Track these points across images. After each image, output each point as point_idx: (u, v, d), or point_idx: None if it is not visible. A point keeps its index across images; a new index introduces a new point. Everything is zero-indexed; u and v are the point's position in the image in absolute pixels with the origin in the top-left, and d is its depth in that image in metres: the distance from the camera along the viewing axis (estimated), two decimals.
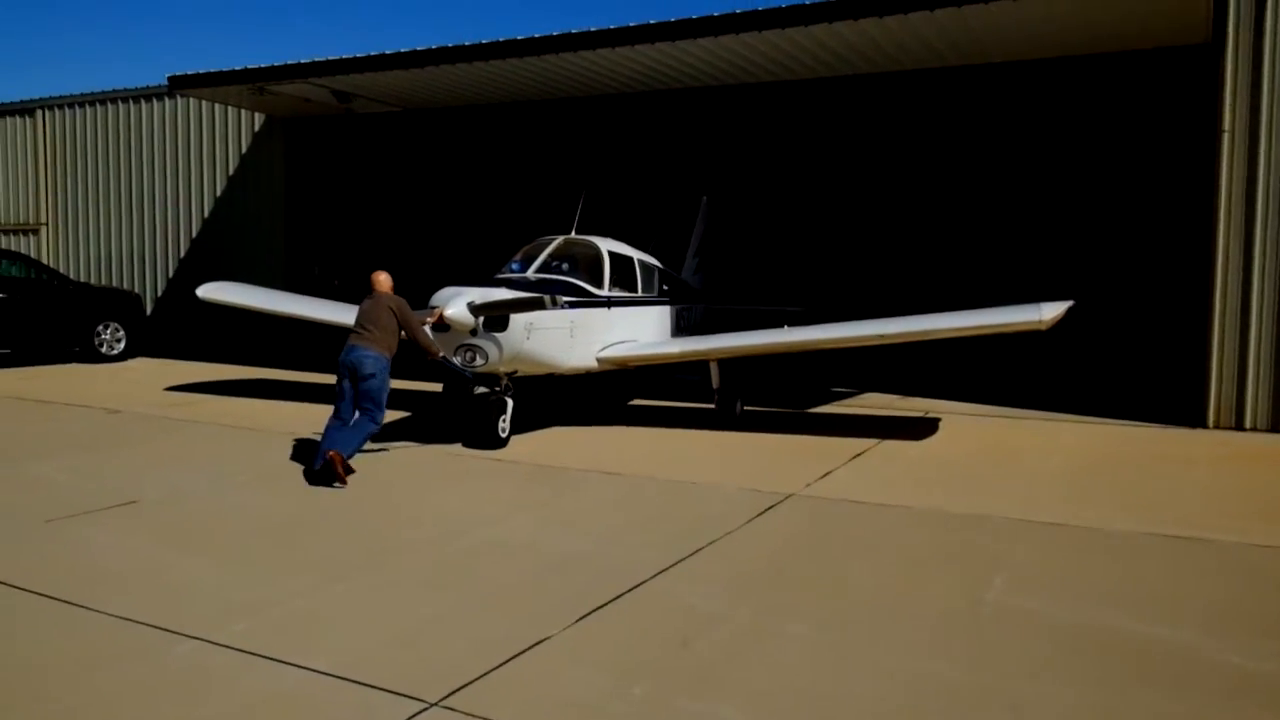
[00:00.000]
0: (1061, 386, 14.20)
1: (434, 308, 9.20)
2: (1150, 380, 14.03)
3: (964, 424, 11.52)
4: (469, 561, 6.12)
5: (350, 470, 7.99)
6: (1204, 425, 11.08)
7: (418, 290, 16.64)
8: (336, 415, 8.34)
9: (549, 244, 10.88)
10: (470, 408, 10.28)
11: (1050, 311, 9.77)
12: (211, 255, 18.28)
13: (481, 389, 10.44)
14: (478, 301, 9.11)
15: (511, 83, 13.88)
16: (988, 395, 13.41)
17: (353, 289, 15.72)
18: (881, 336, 10.41)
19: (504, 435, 9.64)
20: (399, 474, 8.65)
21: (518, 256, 10.99)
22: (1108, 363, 15.03)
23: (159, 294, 19.02)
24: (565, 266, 10.74)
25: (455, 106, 15.84)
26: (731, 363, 11.17)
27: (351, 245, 18.27)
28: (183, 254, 18.69)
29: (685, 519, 7.16)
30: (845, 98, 15.58)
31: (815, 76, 13.08)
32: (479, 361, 9.43)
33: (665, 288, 12.62)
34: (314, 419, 11.22)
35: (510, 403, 9.71)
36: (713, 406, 11.34)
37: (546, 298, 9.25)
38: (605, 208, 16.76)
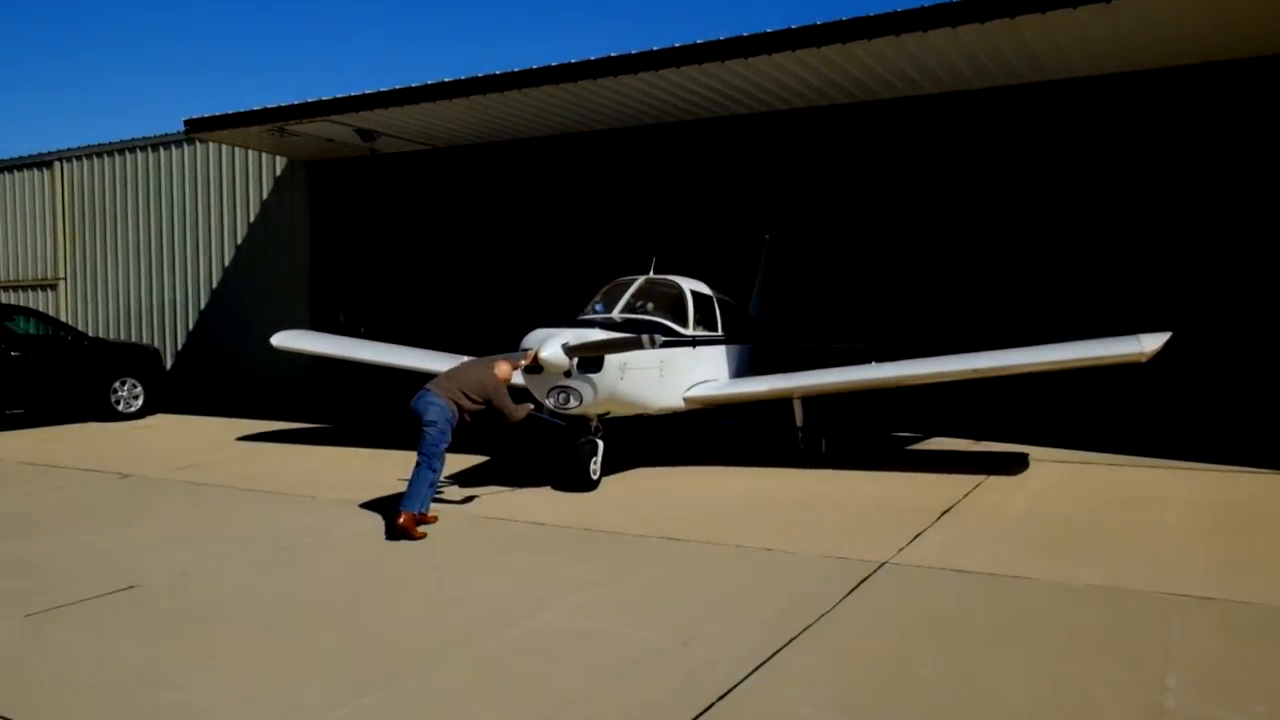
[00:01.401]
0: (1147, 428, 13.11)
1: (525, 350, 9.03)
2: (1245, 420, 12.91)
3: (1053, 472, 10.41)
4: (523, 662, 5.09)
5: (425, 521, 7.96)
6: None
7: (455, 337, 16.00)
8: (419, 460, 8.07)
9: (630, 283, 10.78)
10: (561, 450, 10.01)
11: (1151, 343, 9.39)
12: (234, 305, 17.60)
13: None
14: (573, 343, 8.95)
15: (545, 115, 13.08)
16: (1066, 439, 12.31)
17: (379, 336, 15.12)
18: (975, 371, 10.09)
19: (595, 478, 9.55)
20: (443, 542, 7.66)
21: (598, 298, 10.86)
22: (1194, 401, 13.93)
23: (179, 347, 18.31)
24: (650, 306, 10.67)
25: (486, 143, 15.08)
26: (812, 401, 11.08)
27: (379, 291, 17.50)
28: (204, 305, 17.99)
29: (768, 597, 6.10)
30: (906, 120, 14.69)
31: (874, 99, 12.12)
32: (573, 403, 9.29)
33: (739, 326, 12.55)
34: (347, 479, 10.38)
35: (601, 445, 9.60)
36: (799, 446, 11.15)
37: (645, 338, 9.12)
38: (657, 245, 16.16)
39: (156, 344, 18.00)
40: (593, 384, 9.18)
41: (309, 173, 16.72)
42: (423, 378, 12.54)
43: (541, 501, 9.19)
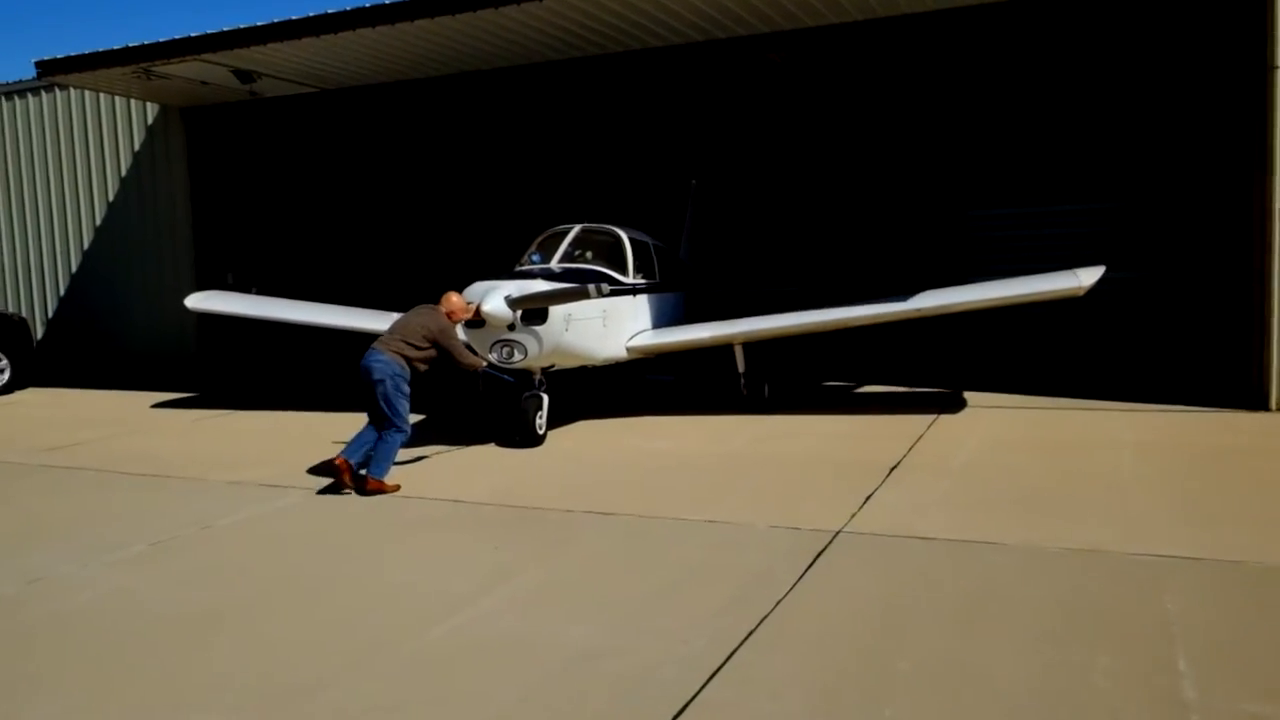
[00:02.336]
0: (1081, 369, 12.90)
1: (468, 303, 8.59)
2: (1177, 357, 12.77)
3: (995, 418, 9.99)
4: (444, 673, 4.31)
5: (387, 489, 7.60)
6: (1266, 408, 9.69)
7: (358, 295, 14.93)
8: (367, 424, 7.80)
9: (567, 232, 10.52)
10: (507, 406, 9.66)
11: (1088, 277, 9.41)
12: (108, 267, 16.10)
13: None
14: (516, 295, 8.70)
15: (445, 49, 11.95)
16: (1000, 383, 11.97)
17: (273, 295, 13.98)
18: (919, 311, 10.05)
19: (542, 433, 9.34)
20: (354, 526, 6.78)
21: (534, 248, 10.61)
22: (1126, 340, 13.82)
23: (50, 315, 16.73)
24: (588, 255, 10.50)
25: (382, 84, 13.83)
26: (751, 348, 10.87)
27: (270, 247, 16.20)
28: (74, 268, 16.42)
29: (717, 580, 5.42)
30: (829, 54, 14.09)
31: (799, 26, 11.33)
32: (516, 357, 9.08)
33: (674, 273, 12.42)
34: (243, 457, 9.37)
35: (546, 399, 9.38)
36: (742, 392, 10.94)
37: (591, 287, 8.90)
38: (579, 191, 15.31)
39: (23, 313, 16.39)
40: (538, 336, 9.00)
41: (185, 120, 15.21)
42: (351, 337, 12.17)
43: (481, 461, 8.50)
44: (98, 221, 16.01)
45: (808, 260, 15.73)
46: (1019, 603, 4.90)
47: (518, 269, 10.02)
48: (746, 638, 4.56)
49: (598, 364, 10.34)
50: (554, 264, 10.07)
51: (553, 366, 9.66)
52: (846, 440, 9.15)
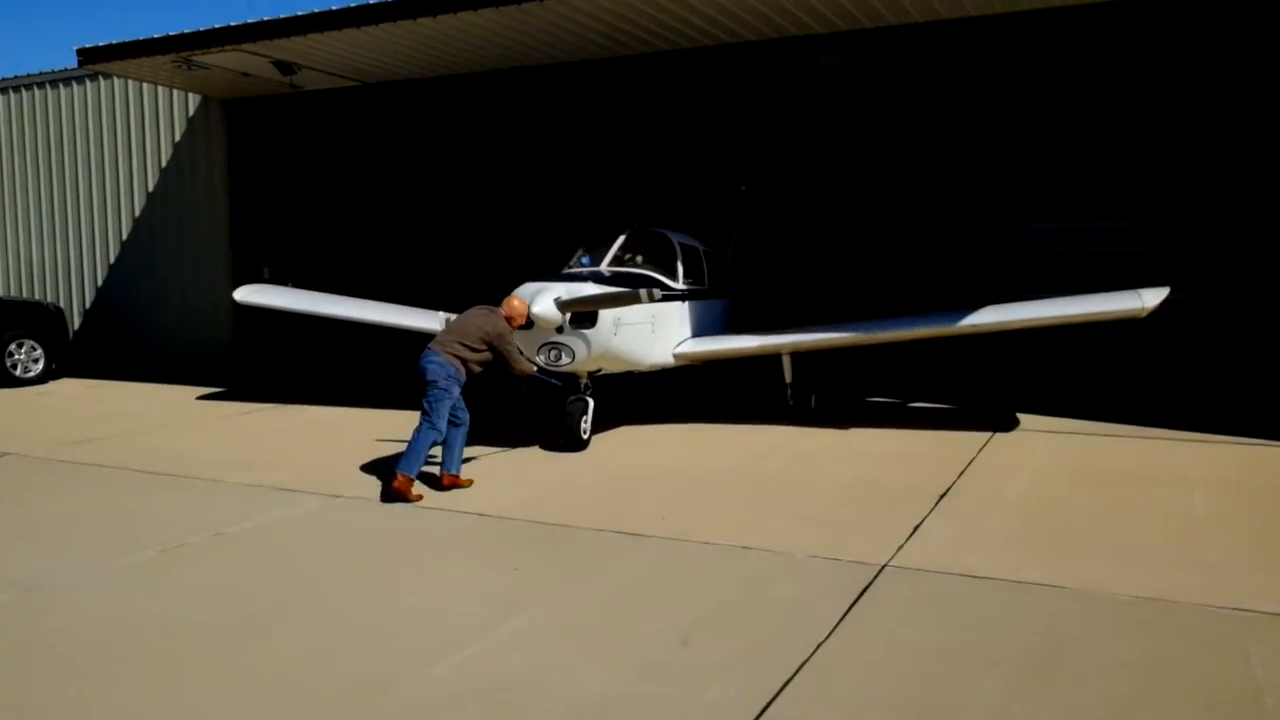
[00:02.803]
0: (1141, 394, 12.30)
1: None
2: (1251, 386, 12.11)
3: (1050, 445, 9.43)
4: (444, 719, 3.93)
5: (463, 484, 7.69)
6: None
7: (397, 290, 14.71)
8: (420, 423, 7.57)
9: (617, 235, 10.37)
10: (552, 409, 9.54)
11: (1151, 298, 9.12)
12: (146, 259, 16.00)
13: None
14: (565, 297, 8.56)
15: (491, 43, 11.62)
16: (1054, 406, 11.42)
17: (310, 288, 13.82)
18: (974, 328, 9.76)
19: (586, 437, 9.21)
20: (369, 541, 6.45)
21: (582, 250, 10.46)
22: (1189, 365, 13.15)
23: (87, 306, 16.67)
24: (638, 259, 10.34)
25: (424, 79, 13.56)
26: (801, 357, 10.77)
27: (307, 242, 16.01)
28: (113, 260, 16.34)
29: (751, 616, 5.00)
30: (886, 60, 13.71)
31: (857, 28, 10.85)
32: (564, 360, 8.97)
33: (722, 280, 12.22)
34: (268, 457, 9.11)
35: (591, 403, 9.25)
36: (789, 403, 10.80)
37: (643, 292, 8.68)
38: (625, 193, 15.55)
39: (61, 302, 16.34)
40: (586, 340, 8.87)
41: (225, 112, 15.08)
42: (393, 334, 12.32)
43: (518, 468, 8.16)
44: (136, 213, 15.92)
45: (855, 271, 15.27)
46: (1087, 660, 4.42)
47: (566, 270, 9.83)
48: (783, 688, 4.14)
49: (644, 370, 10.19)
50: (603, 267, 9.93)
51: (600, 371, 9.50)
52: (893, 462, 8.66)
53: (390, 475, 7.44)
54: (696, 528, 6.60)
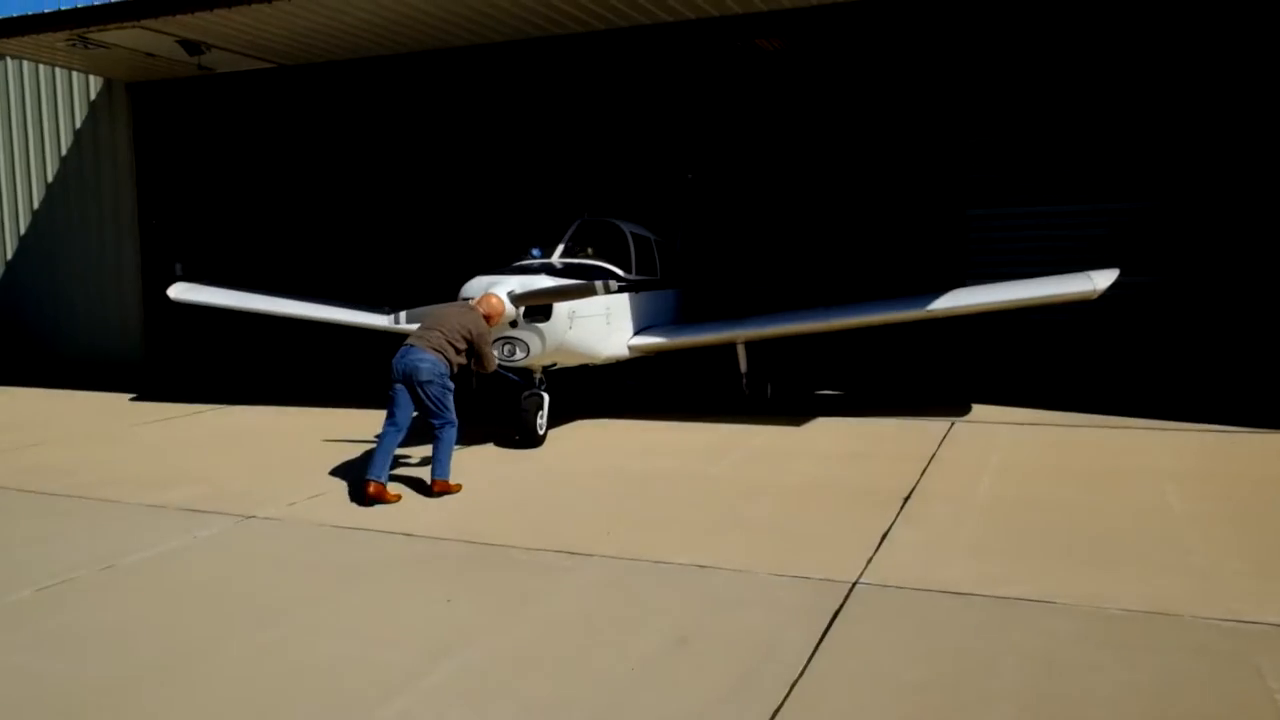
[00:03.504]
0: (1095, 382, 12.05)
1: (465, 299, 8.29)
2: (1203, 369, 11.93)
3: (1010, 437, 9.04)
4: None
5: (453, 489, 7.35)
6: None
7: (323, 286, 13.90)
8: (389, 423, 7.30)
9: (567, 227, 10.23)
10: (506, 405, 9.27)
11: (1102, 280, 9.05)
12: (47, 255, 14.89)
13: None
14: (519, 291, 8.38)
15: (412, 21, 10.88)
16: (1005, 395, 11.10)
17: (226, 285, 12.99)
18: (929, 312, 9.58)
19: (542, 433, 9.00)
20: (272, 569, 5.75)
21: (532, 245, 10.11)
22: (1147, 349, 12.97)
23: None
24: (590, 250, 10.20)
25: (345, 61, 12.73)
26: (754, 348, 10.56)
27: (223, 237, 15.05)
28: (10, 256, 15.21)
29: (713, 653, 4.43)
30: (834, 34, 13.28)
31: (811, 5, 10.30)
32: (518, 355, 8.79)
33: (673, 270, 12.09)
34: (176, 472, 8.29)
35: (547, 398, 9.05)
36: (744, 392, 10.62)
37: (599, 283, 8.51)
38: (567, 181, 15.03)
39: None
40: (541, 334, 8.72)
41: (131, 96, 14.02)
42: (318, 332, 12.31)
43: (459, 470, 7.35)
44: (35, 205, 14.80)
45: (801, 259, 14.94)
46: (1094, 690, 3.94)
47: (517, 264, 9.54)
48: None
49: (599, 363, 10.00)
50: (555, 259, 9.71)
51: (554, 365, 9.34)
52: (851, 461, 8.19)
53: (429, 484, 7.33)
54: (647, 543, 6.02)
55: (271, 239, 15.70)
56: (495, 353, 8.31)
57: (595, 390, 11.86)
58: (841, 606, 4.91)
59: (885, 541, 5.95)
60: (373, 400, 11.53)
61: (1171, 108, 12.92)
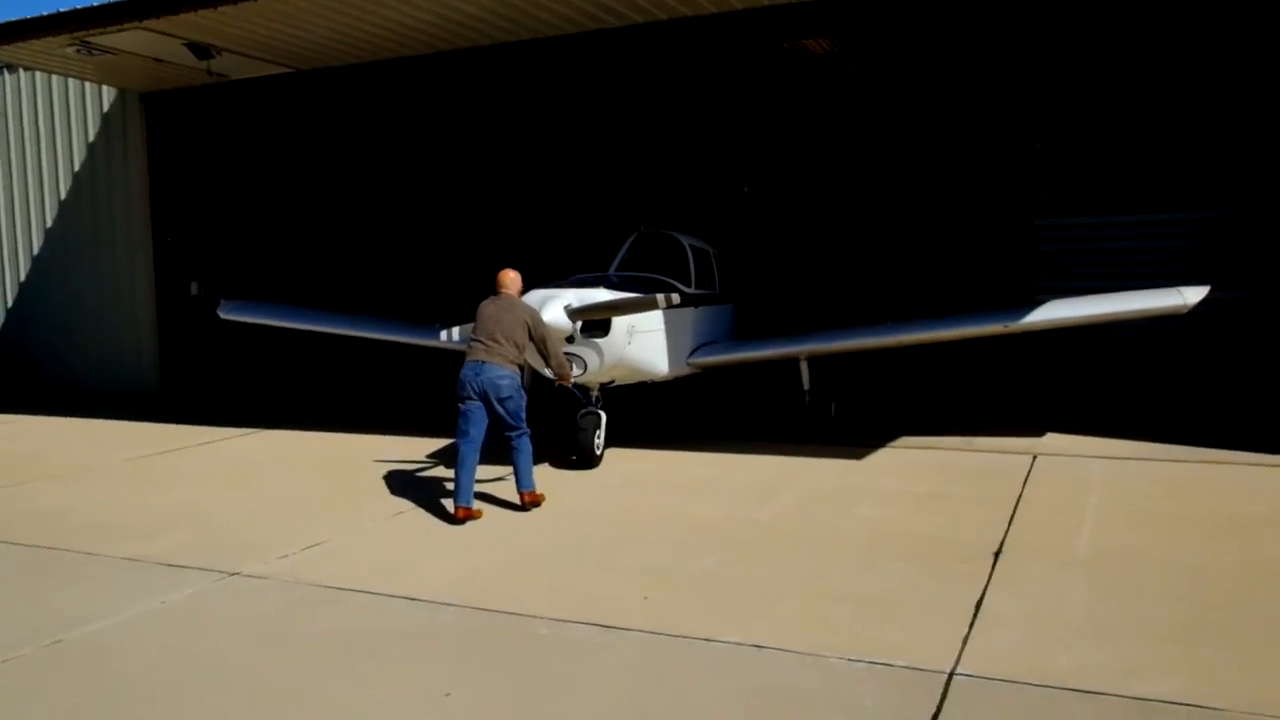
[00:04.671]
0: (1180, 407, 10.94)
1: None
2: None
3: (1104, 474, 7.98)
4: None
5: (541, 500, 7.26)
6: None
7: (346, 300, 13.24)
8: (466, 442, 7.00)
9: (624, 239, 10.03)
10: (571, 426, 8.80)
11: (1193, 295, 8.53)
12: (59, 274, 14.27)
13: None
14: (576, 304, 8.07)
15: (435, 19, 10.04)
16: (1084, 421, 10.07)
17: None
18: (1005, 328, 9.00)
19: (599, 453, 8.66)
20: (245, 645, 4.84)
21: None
22: (1236, 372, 11.81)
23: None
24: (648, 263, 9.87)
25: (364, 63, 11.93)
26: (819, 364, 10.08)
27: (241, 252, 14.35)
28: (23, 276, 14.60)
29: None
30: (896, 40, 12.59)
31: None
32: (576, 371, 8.30)
33: (732, 284, 11.72)
34: (170, 517, 7.44)
35: (604, 417, 8.68)
36: (807, 411, 10.06)
37: (660, 297, 8.11)
38: (617, 193, 14.88)
39: None
40: (599, 349, 8.39)
41: (145, 107, 13.37)
42: (365, 354, 12.44)
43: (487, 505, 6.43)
44: (47, 222, 14.20)
45: (861, 273, 14.34)
46: None
47: (576, 276, 9.16)
48: None
49: (658, 380, 9.62)
50: (611, 271, 9.51)
51: (613, 382, 8.97)
52: (925, 504, 7.13)
53: (518, 496, 7.21)
54: (690, 613, 5.05)
55: (293, 253, 15.00)
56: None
57: (647, 411, 11.15)
58: (939, 709, 3.90)
59: (980, 614, 4.92)
60: (408, 423, 11.04)
61: (1257, 104, 11.76)
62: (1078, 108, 13.12)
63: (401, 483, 8.35)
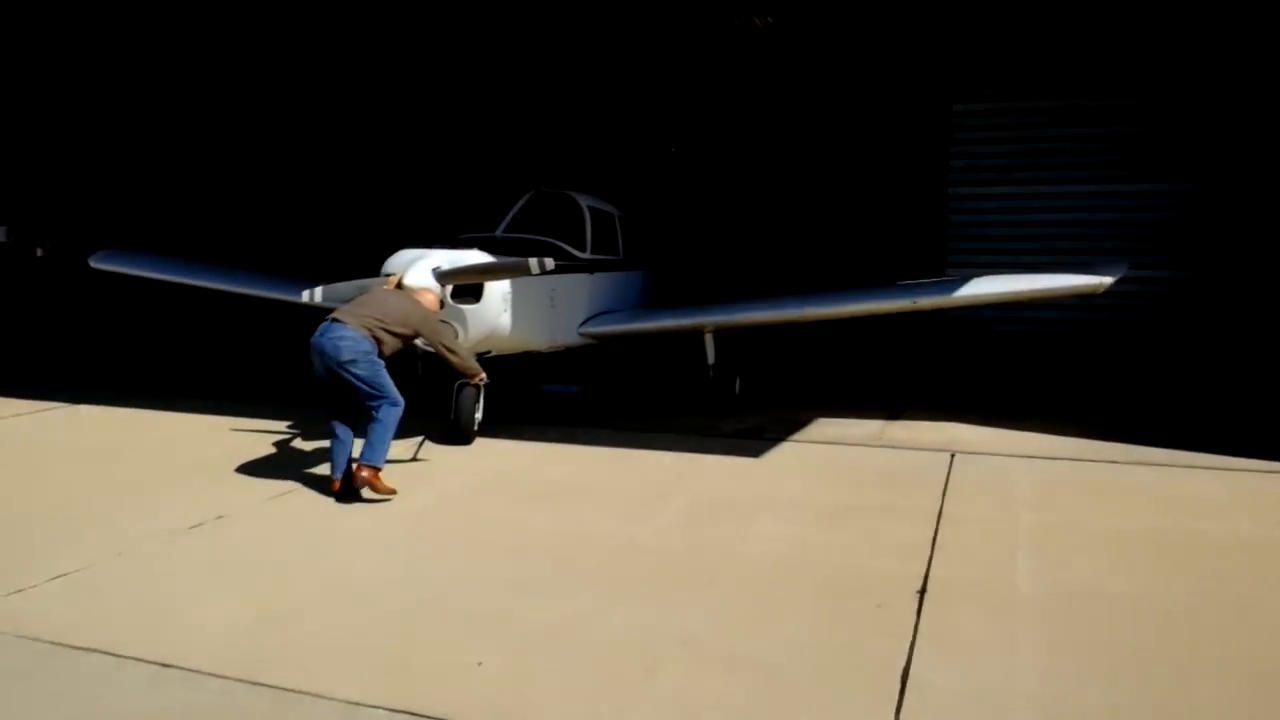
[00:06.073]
0: (1102, 396, 10.25)
1: (387, 275, 7.42)
2: (1241, 384, 10.20)
3: (1031, 477, 7.02)
4: None
5: (382, 489, 6.33)
6: None
7: (208, 255, 11.76)
8: (333, 418, 6.51)
9: (518, 198, 9.48)
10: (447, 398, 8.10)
11: (1110, 275, 8.14)
12: None
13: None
14: (445, 267, 7.50)
15: None
16: (994, 405, 9.39)
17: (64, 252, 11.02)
18: (914, 304, 8.69)
19: (474, 429, 8.04)
20: None
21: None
22: (1165, 358, 11.26)
23: None
24: (540, 225, 9.30)
25: None
26: (728, 337, 9.61)
27: (72, 189, 12.57)
28: None
29: None
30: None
31: None
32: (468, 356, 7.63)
33: (642, 250, 11.29)
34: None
35: (483, 389, 7.92)
36: (710, 386, 9.57)
37: (533, 261, 7.51)
38: (536, 151, 14.44)
39: None
40: (469, 317, 7.78)
41: None
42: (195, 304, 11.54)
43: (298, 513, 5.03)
44: None
45: (781, 243, 14.16)
46: None
47: (460, 236, 8.65)
48: None
49: (543, 350, 9.18)
50: (497, 232, 8.95)
51: (489, 352, 8.31)
52: (833, 520, 6.02)
53: (351, 474, 6.31)
54: (537, 689, 3.81)
55: (114, 183, 13.22)
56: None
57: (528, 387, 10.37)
58: None
59: (908, 690, 3.81)
60: (266, 394, 9.94)
61: (1198, 65, 11.11)
62: (994, 67, 12.41)
63: (215, 477, 6.93)
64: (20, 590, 4.86)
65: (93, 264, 10.69)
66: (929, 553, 5.36)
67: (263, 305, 10.33)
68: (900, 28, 12.87)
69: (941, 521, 5.93)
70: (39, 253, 11.97)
